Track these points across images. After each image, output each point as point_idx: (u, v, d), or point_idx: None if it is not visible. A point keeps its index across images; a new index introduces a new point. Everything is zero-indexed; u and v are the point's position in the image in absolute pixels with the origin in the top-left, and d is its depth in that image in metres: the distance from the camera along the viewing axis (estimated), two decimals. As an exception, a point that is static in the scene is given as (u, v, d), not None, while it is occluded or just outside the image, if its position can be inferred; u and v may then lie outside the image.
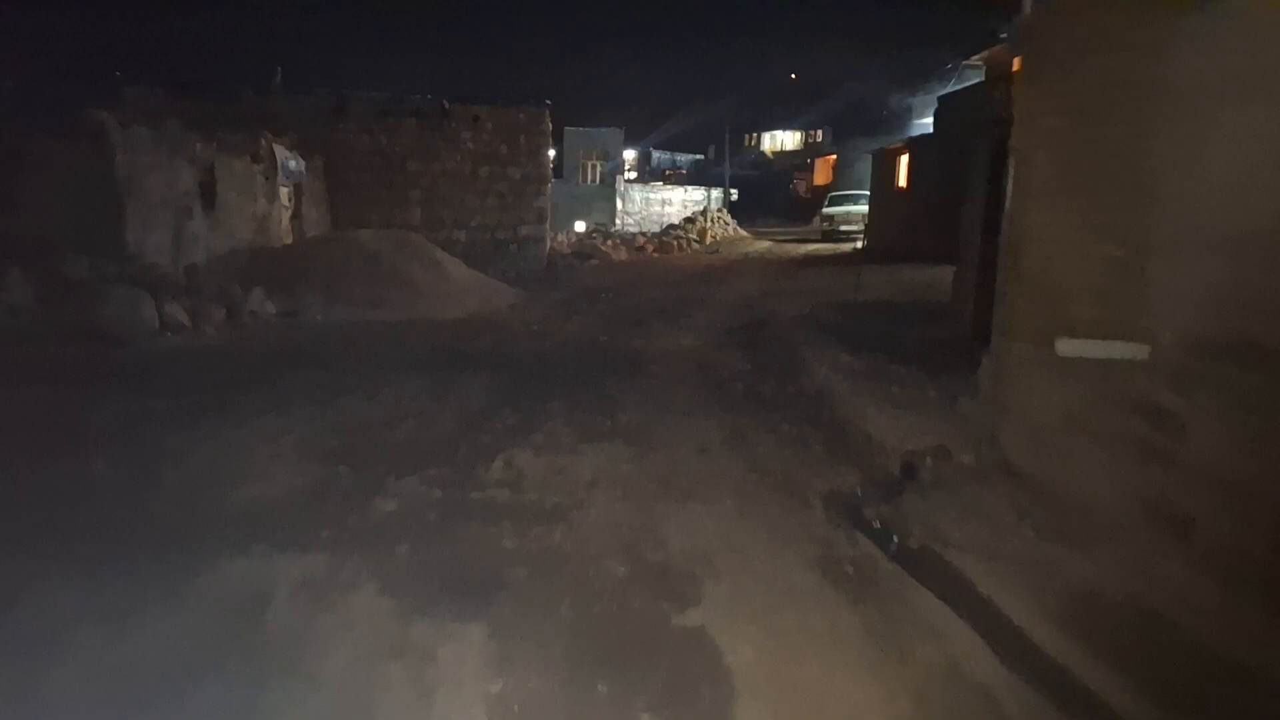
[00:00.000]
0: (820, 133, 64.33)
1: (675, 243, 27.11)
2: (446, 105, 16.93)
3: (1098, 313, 4.72)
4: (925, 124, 25.13)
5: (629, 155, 54.83)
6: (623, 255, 23.57)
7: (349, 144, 16.64)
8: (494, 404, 6.49)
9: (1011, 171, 5.02)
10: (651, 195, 34.60)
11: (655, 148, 59.97)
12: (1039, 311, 5.23)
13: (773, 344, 9.17)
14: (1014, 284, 4.94)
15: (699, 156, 61.15)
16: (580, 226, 30.20)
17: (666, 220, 32.55)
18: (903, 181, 21.69)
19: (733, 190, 43.90)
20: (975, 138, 9.64)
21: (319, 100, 16.83)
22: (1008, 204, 4.90)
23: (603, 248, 23.41)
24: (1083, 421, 4.81)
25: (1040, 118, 5.06)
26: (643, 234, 28.75)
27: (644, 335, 10.26)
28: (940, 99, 21.33)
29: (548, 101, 17.36)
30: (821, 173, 56.12)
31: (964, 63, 23.75)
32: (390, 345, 9.10)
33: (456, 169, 17.13)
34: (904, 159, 21.62)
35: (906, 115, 31.11)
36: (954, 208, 20.15)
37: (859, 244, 25.86)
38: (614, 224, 31.46)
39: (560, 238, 23.94)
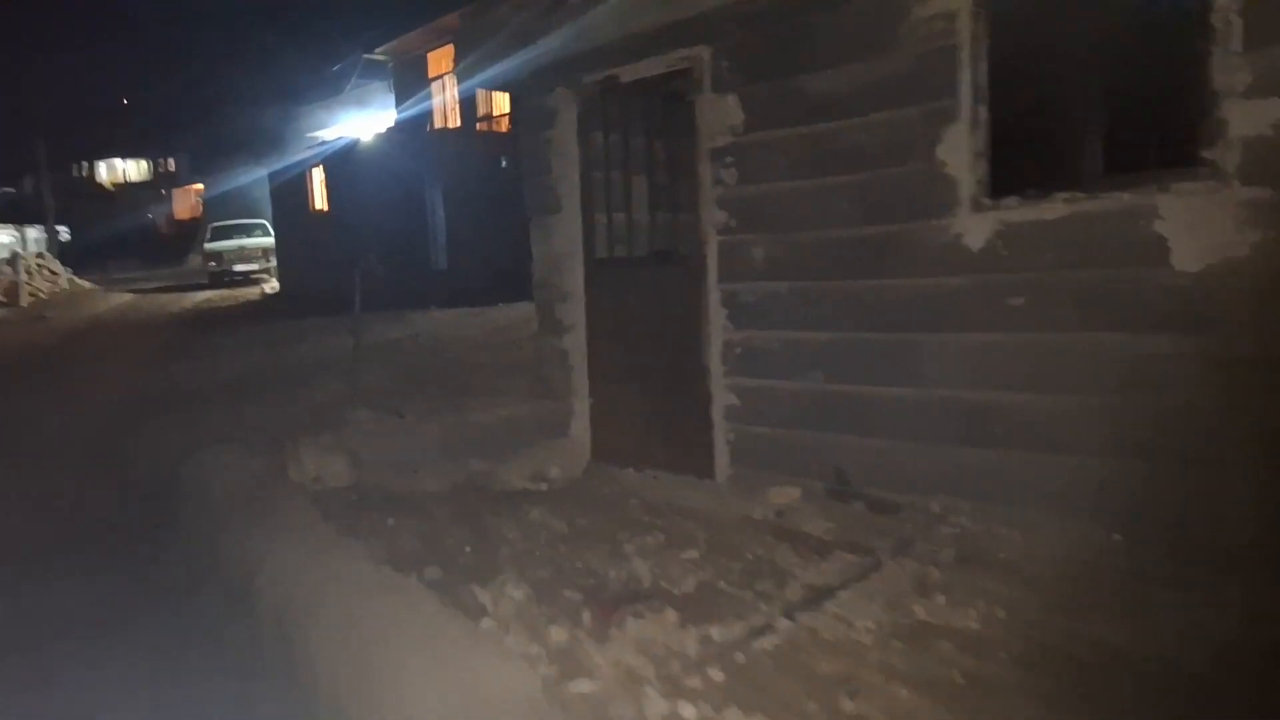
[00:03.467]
0: (173, 161, 55.52)
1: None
2: None
3: None
4: (327, 134, 20.10)
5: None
6: None
7: None
8: None
9: None
10: (-84, 242, 22.72)
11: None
12: None
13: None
14: None
15: (9, 190, 46.75)
16: None
17: (-51, 276, 21.42)
18: (321, 204, 16.45)
19: (61, 229, 32.83)
20: (530, 107, 5.19)
21: None
22: None
23: None
24: None
25: None
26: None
27: None
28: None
29: None
30: (184, 205, 47.39)
31: (365, 57, 19.39)
32: None
33: None
34: (318, 176, 16.36)
35: (293, 128, 25.56)
36: (404, 230, 15.84)
37: (268, 286, 19.74)
38: None
39: None
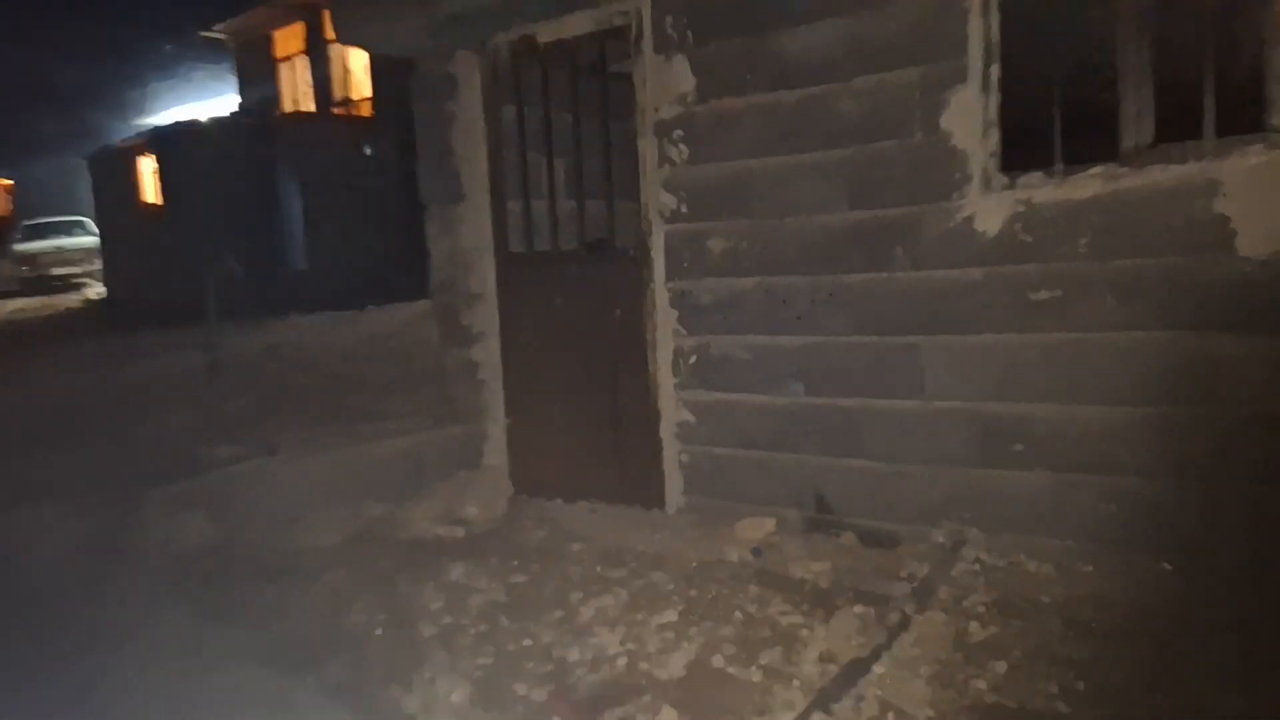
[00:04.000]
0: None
1: None
2: None
3: None
4: (161, 121, 17.98)
5: None
6: None
7: None
8: None
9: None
10: None
11: None
12: None
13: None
14: None
15: None
16: None
17: None
18: (154, 197, 14.59)
19: None
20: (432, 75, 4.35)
21: None
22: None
23: None
24: None
25: None
26: None
27: None
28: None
29: None
30: (-8, 202, 42.26)
31: (202, 34, 17.45)
32: None
33: None
34: (149, 166, 14.49)
35: (121, 115, 23.01)
36: (256, 226, 14.11)
37: (92, 292, 17.54)
38: None
39: None
